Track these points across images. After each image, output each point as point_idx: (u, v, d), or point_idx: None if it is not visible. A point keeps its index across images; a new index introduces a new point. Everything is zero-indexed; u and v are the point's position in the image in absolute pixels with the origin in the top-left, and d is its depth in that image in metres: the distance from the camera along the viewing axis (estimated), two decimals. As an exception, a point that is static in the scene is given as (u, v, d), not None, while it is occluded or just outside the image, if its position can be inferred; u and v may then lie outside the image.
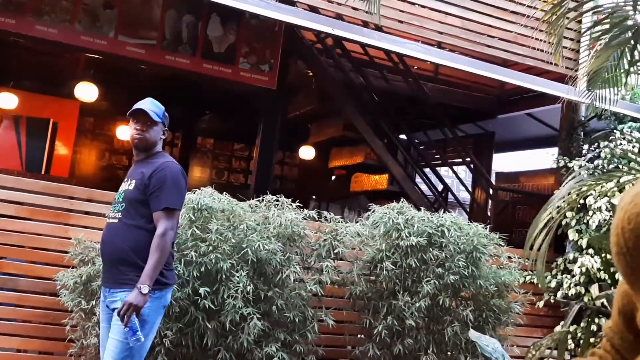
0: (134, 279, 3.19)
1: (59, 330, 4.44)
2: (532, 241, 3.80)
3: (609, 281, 5.83)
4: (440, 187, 10.67)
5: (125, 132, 11.09)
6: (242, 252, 4.13)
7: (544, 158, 9.41)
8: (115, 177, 11.47)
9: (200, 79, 7.16)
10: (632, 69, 4.27)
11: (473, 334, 3.19)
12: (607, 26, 3.98)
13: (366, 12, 4.49)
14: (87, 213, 4.90)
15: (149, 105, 3.48)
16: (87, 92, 8.59)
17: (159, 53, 6.47)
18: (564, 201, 3.89)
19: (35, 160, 9.05)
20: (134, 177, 3.41)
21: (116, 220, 3.35)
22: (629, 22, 3.74)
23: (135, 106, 3.45)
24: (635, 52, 3.96)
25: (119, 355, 3.20)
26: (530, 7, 4.41)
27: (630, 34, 3.79)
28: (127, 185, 3.42)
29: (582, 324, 5.96)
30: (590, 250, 6.07)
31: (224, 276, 4.04)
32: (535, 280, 5.84)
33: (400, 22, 6.26)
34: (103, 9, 6.27)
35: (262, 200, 4.53)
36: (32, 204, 4.75)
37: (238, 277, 4.03)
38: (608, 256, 5.30)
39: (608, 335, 1.02)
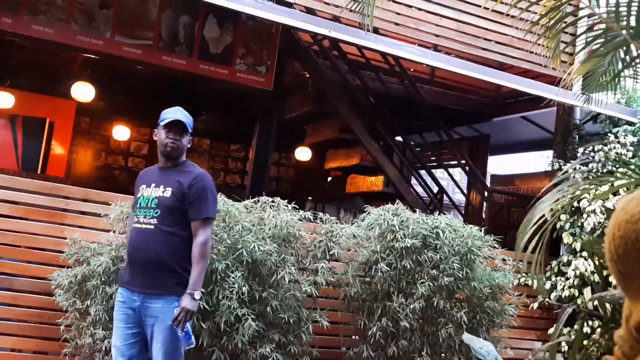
0: (172, 285, 3.37)
1: (54, 330, 4.44)
2: (525, 243, 3.81)
3: (601, 284, 5.86)
4: (435, 189, 10.68)
5: (121, 132, 11.10)
6: (237, 253, 4.13)
7: (539, 161, 9.42)
8: (112, 177, 11.48)
9: (197, 79, 7.17)
10: (626, 72, 4.29)
11: (467, 337, 3.21)
12: (601, 31, 4.01)
13: (355, 11, 4.49)
14: (82, 213, 4.89)
15: (182, 115, 3.61)
16: (83, 91, 8.59)
17: (156, 53, 6.48)
18: (556, 203, 3.90)
19: (31, 160, 9.03)
20: (168, 184, 3.49)
21: (151, 226, 3.44)
22: (619, 29, 3.76)
23: (172, 117, 3.56)
24: (628, 57, 3.99)
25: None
26: (527, 10, 4.42)
27: (621, 39, 3.81)
28: (161, 192, 3.49)
29: (575, 327, 5.98)
30: (584, 253, 6.09)
31: (219, 277, 4.04)
32: (529, 283, 5.86)
33: (397, 24, 6.28)
34: (99, 9, 6.27)
35: (258, 201, 4.54)
36: (28, 204, 4.75)
37: (233, 278, 4.04)
38: (601, 259, 5.32)
39: (618, 343, 1.03)
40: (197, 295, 3.35)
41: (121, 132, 11.16)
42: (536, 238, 3.82)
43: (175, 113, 3.60)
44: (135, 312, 3.44)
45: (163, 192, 3.49)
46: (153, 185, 3.56)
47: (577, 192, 4.09)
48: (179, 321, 3.29)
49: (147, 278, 3.41)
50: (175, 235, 3.44)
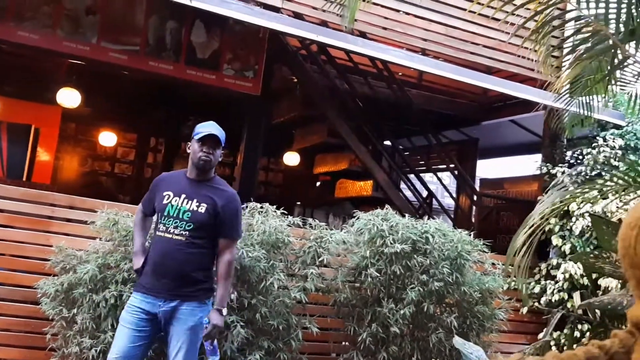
0: (196, 291, 3.55)
1: (40, 339, 4.37)
2: (516, 250, 3.81)
3: (591, 287, 5.87)
4: (424, 193, 10.69)
5: (107, 138, 11.03)
6: (226, 260, 4.09)
7: (528, 165, 9.47)
8: (98, 184, 11.39)
9: (184, 85, 7.13)
10: (613, 75, 4.30)
11: (457, 341, 3.19)
12: (588, 34, 4.01)
13: (341, 15, 4.48)
14: (68, 220, 4.84)
15: (216, 129, 3.73)
16: (69, 97, 8.52)
17: (142, 59, 6.43)
18: (548, 208, 3.90)
19: (16, 167, 8.94)
20: (203, 200, 3.60)
21: (183, 238, 3.54)
22: (607, 32, 3.77)
23: (207, 131, 3.68)
24: (616, 60, 3.99)
25: None
26: (514, 14, 4.43)
27: (609, 42, 3.82)
28: (195, 206, 3.58)
29: (565, 331, 5.98)
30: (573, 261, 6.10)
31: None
32: (518, 287, 5.86)
33: (385, 29, 6.27)
34: (85, 15, 6.22)
35: (246, 207, 4.50)
36: (13, 211, 4.69)
37: (221, 284, 4.00)
38: (592, 270, 5.33)
39: (633, 321, 1.03)
40: (225, 311, 3.58)
41: (107, 138, 11.08)
42: (526, 243, 3.81)
43: (209, 127, 3.72)
44: (155, 317, 3.53)
45: (198, 206, 3.58)
46: (184, 196, 3.62)
47: (568, 197, 4.08)
48: (210, 337, 3.50)
49: (174, 287, 3.54)
50: (204, 247, 3.60)
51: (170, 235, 3.55)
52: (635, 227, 0.98)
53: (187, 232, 3.54)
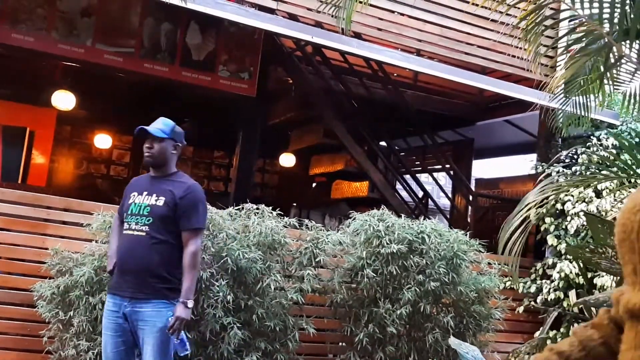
0: (161, 290, 3.44)
1: (36, 342, 4.37)
2: (505, 243, 3.81)
3: (586, 286, 5.89)
4: (420, 193, 10.70)
5: (103, 140, 11.03)
6: (222, 261, 4.10)
7: (523, 164, 9.48)
8: (94, 186, 11.37)
9: (179, 86, 7.12)
10: (608, 74, 4.31)
11: (453, 342, 3.19)
12: (582, 34, 4.03)
13: (336, 16, 4.49)
14: (64, 223, 4.83)
15: (156, 124, 3.66)
16: (64, 100, 8.51)
17: (137, 61, 6.43)
18: (539, 204, 3.91)
19: (12, 170, 8.92)
20: (161, 193, 3.55)
21: (143, 234, 3.49)
22: (601, 31, 3.78)
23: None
24: (611, 59, 4.01)
25: None
26: (508, 14, 4.44)
27: (604, 42, 3.83)
28: (154, 200, 3.54)
29: (561, 330, 6.00)
30: (569, 256, 6.12)
31: (203, 285, 4.01)
32: (514, 286, 5.87)
33: (379, 29, 6.28)
34: (80, 17, 6.22)
35: (242, 208, 4.50)
36: (9, 214, 4.68)
37: (218, 286, 4.01)
38: (586, 264, 5.35)
39: (627, 307, 1.04)
40: (190, 304, 3.42)
41: (103, 141, 11.07)
42: (514, 238, 3.82)
43: (153, 124, 3.67)
44: (125, 318, 3.46)
45: (156, 200, 3.54)
46: (145, 193, 3.59)
47: (559, 191, 4.09)
48: (174, 330, 3.36)
49: (137, 283, 3.46)
50: (167, 243, 3.50)
51: (132, 232, 3.52)
52: (639, 212, 0.99)
53: (147, 227, 3.49)
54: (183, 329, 3.42)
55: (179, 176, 3.69)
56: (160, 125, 3.65)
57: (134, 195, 3.63)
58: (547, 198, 4.00)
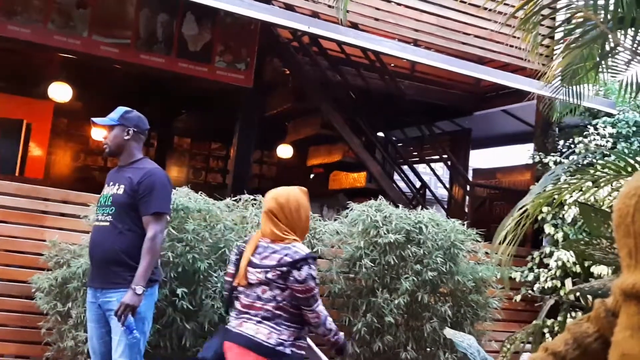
0: (128, 279, 3.33)
1: (35, 334, 4.38)
2: (502, 235, 3.83)
3: (583, 275, 5.91)
4: (418, 184, 10.71)
5: (100, 132, 10.98)
6: (220, 252, 4.11)
7: (521, 154, 9.49)
8: (91, 178, 11.36)
9: (176, 78, 7.11)
10: (604, 63, 4.31)
11: (449, 332, 3.21)
12: (580, 21, 4.02)
13: (332, 6, 4.48)
14: (62, 215, 4.83)
15: (110, 115, 3.71)
16: (61, 92, 8.49)
17: (134, 52, 6.41)
18: (539, 197, 3.92)
19: (9, 162, 8.91)
20: (122, 181, 3.52)
21: (107, 223, 3.47)
22: (597, 19, 3.78)
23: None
24: (607, 47, 4.00)
25: (129, 351, 3.36)
26: (505, 4, 4.43)
27: (599, 30, 3.83)
28: (116, 189, 3.52)
29: (558, 318, 6.02)
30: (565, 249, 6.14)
31: (201, 276, 4.02)
32: (512, 275, 5.88)
33: (376, 19, 6.27)
34: (76, 9, 6.19)
35: (240, 199, 4.51)
36: (6, 206, 4.68)
37: (216, 277, 4.02)
38: (583, 257, 5.36)
39: (625, 289, 1.05)
40: (139, 290, 3.29)
41: (100, 133, 11.01)
42: (510, 229, 3.83)
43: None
44: (100, 308, 3.47)
45: (117, 189, 3.52)
46: (111, 183, 3.60)
47: (563, 188, 4.10)
48: (118, 315, 3.26)
49: (105, 273, 3.45)
50: (131, 231, 3.44)
51: (99, 223, 3.53)
52: (635, 195, 1.01)
53: (111, 217, 3.47)
54: (128, 315, 3.27)
55: (142, 163, 3.63)
56: (112, 114, 3.67)
57: (105, 187, 3.64)
58: (550, 197, 4.01)
